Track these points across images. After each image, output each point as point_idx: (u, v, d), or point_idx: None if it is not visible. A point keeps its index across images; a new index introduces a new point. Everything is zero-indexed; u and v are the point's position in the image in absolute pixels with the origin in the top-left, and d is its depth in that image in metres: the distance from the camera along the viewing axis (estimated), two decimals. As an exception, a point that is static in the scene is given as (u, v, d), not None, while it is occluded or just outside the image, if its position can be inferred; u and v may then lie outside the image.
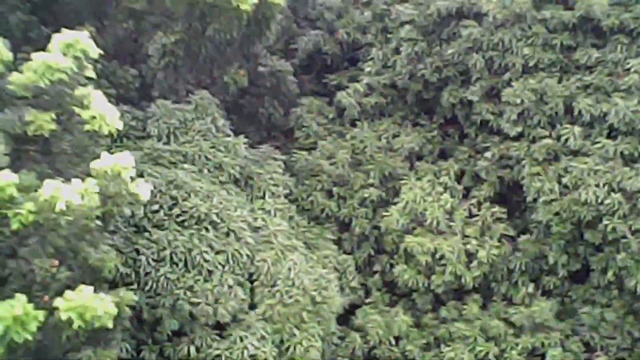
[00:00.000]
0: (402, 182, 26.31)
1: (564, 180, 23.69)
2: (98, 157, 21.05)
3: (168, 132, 24.70)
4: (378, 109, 28.13)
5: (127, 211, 19.36)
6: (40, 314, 17.17)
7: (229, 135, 25.44)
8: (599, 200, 22.88)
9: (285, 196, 25.71)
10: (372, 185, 26.52)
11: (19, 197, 17.26)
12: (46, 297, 17.99)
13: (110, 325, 17.91)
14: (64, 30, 20.48)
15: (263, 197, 25.10)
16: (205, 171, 24.26)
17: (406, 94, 27.77)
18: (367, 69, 27.97)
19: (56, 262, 17.91)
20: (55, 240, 17.81)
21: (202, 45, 25.77)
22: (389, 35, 28.16)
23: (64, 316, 17.25)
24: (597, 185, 23.05)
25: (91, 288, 17.67)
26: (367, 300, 25.91)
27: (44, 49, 26.25)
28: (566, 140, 24.04)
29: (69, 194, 17.46)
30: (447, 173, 26.20)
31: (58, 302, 17.40)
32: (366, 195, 26.37)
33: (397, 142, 27.09)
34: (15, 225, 17.19)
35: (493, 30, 25.20)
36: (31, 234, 17.80)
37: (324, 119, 28.68)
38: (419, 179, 26.29)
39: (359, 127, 27.77)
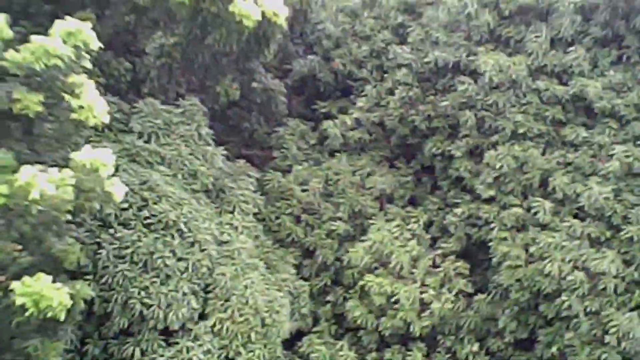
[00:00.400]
0: (370, 220, 26.58)
1: (531, 249, 24.07)
2: (78, 145, 21.23)
3: (151, 131, 24.71)
4: (360, 144, 28.46)
5: (97, 207, 19.28)
6: (-6, 295, 17.13)
7: (209, 145, 25.52)
8: (562, 275, 23.22)
9: (254, 214, 25.82)
10: (340, 219, 26.76)
11: (-6, 177, 17.14)
12: (2, 277, 17.94)
13: (62, 317, 17.80)
14: (66, 17, 20.46)
15: (232, 212, 25.15)
16: (180, 177, 24.29)
17: (392, 135, 28.10)
18: (360, 104, 28.22)
19: (19, 247, 17.82)
20: (22, 226, 17.69)
21: (199, 52, 25.76)
22: (384, 75, 28.48)
23: (18, 301, 17.12)
24: (563, 260, 23.38)
25: (49, 277, 17.59)
26: (315, 329, 26.09)
27: (42, 26, 26.43)
28: (536, 213, 24.40)
29: (44, 183, 17.36)
30: (416, 221, 26.50)
31: (15, 285, 17.30)
32: (334, 227, 26.61)
33: (371, 180, 27.39)
34: (-17, 208, 17.09)
35: (488, 91, 25.61)
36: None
37: (305, 144, 28.92)
38: (387, 220, 26.55)
39: (337, 159, 28.03)
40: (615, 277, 22.98)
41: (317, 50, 30.33)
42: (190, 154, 24.76)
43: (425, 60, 27.09)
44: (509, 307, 24.51)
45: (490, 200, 25.41)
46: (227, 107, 27.80)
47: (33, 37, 19.58)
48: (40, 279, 17.53)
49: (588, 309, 23.05)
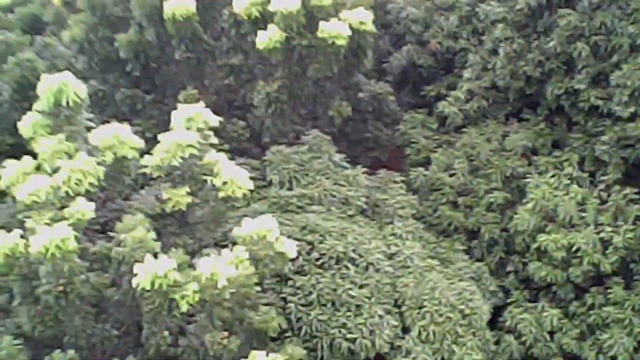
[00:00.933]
0: (525, 180, 26.31)
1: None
2: (233, 220, 22.01)
3: (289, 177, 25.30)
4: (481, 112, 28.21)
5: (275, 268, 19.95)
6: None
7: (347, 168, 25.95)
8: None
9: (412, 216, 26.05)
10: (495, 189, 26.61)
11: (181, 280, 17.93)
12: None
13: (277, 385, 18.54)
14: (178, 106, 21.26)
15: (392, 222, 25.44)
16: (333, 209, 24.77)
17: (507, 93, 27.74)
18: (467, 75, 28.04)
19: (226, 334, 18.65)
20: (221, 312, 18.52)
21: (303, 86, 26.33)
22: (481, 37, 28.20)
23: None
24: None
25: (263, 353, 18.28)
26: (509, 301, 25.91)
27: (153, 118, 27.54)
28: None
29: (227, 269, 18.09)
30: (569, 163, 26.04)
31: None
32: (492, 200, 26.47)
33: (509, 141, 27.11)
34: (184, 308, 17.94)
35: (591, 15, 24.97)
36: (197, 310, 18.53)
37: (429, 131, 28.93)
38: (541, 173, 26.21)
39: (467, 134, 27.89)
40: None
41: (410, 38, 30.28)
42: (335, 184, 25.24)
43: (518, 7, 26.63)
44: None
45: (633, 118, 24.73)
46: (343, 125, 28.05)
47: (160, 137, 20.41)
48: (255, 357, 18.27)
49: None
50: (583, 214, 24.99)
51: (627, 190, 25.11)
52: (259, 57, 26.36)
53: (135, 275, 18.03)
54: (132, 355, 19.05)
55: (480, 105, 28.01)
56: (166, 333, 18.76)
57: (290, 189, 25.14)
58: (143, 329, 18.91)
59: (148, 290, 17.91)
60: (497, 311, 25.64)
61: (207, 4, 26.40)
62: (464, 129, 28.27)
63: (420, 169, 27.47)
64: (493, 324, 25.28)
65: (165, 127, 21.45)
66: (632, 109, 24.63)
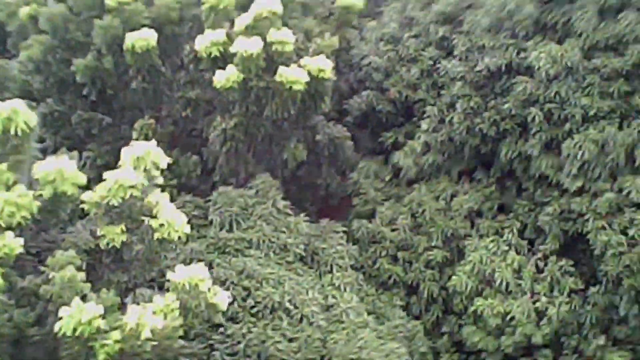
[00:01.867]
0: (465, 241, 26.58)
1: (630, 232, 23.69)
2: (169, 258, 21.99)
3: (230, 219, 25.31)
4: (435, 166, 28.39)
5: (205, 320, 19.94)
6: None
7: (289, 215, 26.00)
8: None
9: (352, 266, 26.16)
10: (435, 247, 26.83)
11: (105, 328, 17.86)
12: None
13: None
14: (132, 143, 21.18)
15: (331, 271, 25.55)
16: (272, 254, 24.82)
17: (463, 148, 27.91)
18: (424, 126, 28.19)
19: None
20: (138, 366, 18.47)
21: (259, 125, 26.35)
22: (440, 91, 28.43)
23: None
24: (666, 237, 22.96)
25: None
26: (438, 362, 26.22)
27: (108, 144, 27.43)
28: (628, 193, 23.99)
29: (152, 320, 18.04)
30: (510, 229, 26.33)
31: None
32: (431, 257, 26.71)
33: (456, 202, 27.34)
34: (101, 357, 17.82)
35: (547, 84, 25.29)
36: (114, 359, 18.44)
37: (381, 182, 29.18)
38: (481, 236, 26.52)
39: (417, 190, 28.09)
40: None
41: (371, 85, 30.44)
42: (275, 230, 25.26)
43: (477, 69, 26.96)
44: (626, 292, 24.09)
45: (579, 192, 25.07)
46: (297, 168, 28.14)
47: (106, 174, 20.31)
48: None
49: None
50: (519, 282, 25.23)
51: (564, 261, 25.45)
52: (217, 94, 26.35)
53: (60, 318, 17.88)
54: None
55: (435, 159, 28.19)
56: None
57: (230, 231, 25.14)
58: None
59: (69, 336, 17.78)
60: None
61: (170, 37, 26.35)
62: (415, 184, 28.45)
63: (364, 221, 27.63)
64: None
65: (118, 155, 21.26)
66: (579, 183, 24.98)
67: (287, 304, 23.27)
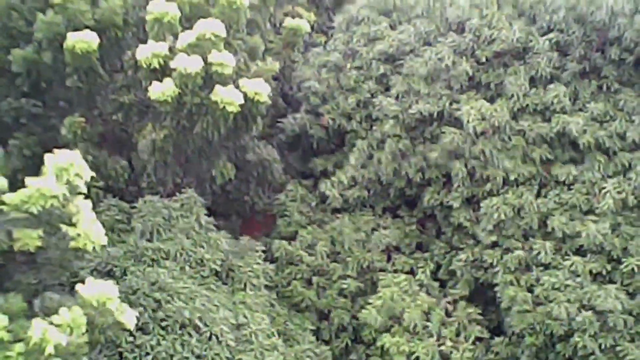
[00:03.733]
0: (380, 274, 27.15)
1: (536, 291, 24.47)
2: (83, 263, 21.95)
3: (152, 229, 25.39)
4: (360, 201, 28.90)
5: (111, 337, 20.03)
6: None
7: (211, 230, 26.19)
8: (570, 317, 23.62)
9: (266, 286, 26.46)
10: (350, 276, 27.33)
11: (9, 339, 17.82)
12: None
13: None
14: (55, 151, 21.03)
15: (244, 289, 25.76)
16: (187, 268, 24.90)
17: (389, 188, 28.50)
18: (352, 161, 28.67)
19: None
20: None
21: (190, 140, 26.44)
22: (374, 124, 28.92)
23: None
24: (569, 301, 23.78)
25: None
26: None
27: (33, 134, 27.17)
28: (538, 253, 24.80)
29: (57, 336, 18.06)
30: (423, 270, 27.01)
31: None
32: (344, 286, 27.19)
33: (376, 236, 27.86)
34: (0, 373, 17.81)
35: (474, 139, 25.93)
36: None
37: (307, 206, 29.50)
38: (395, 271, 27.14)
39: (340, 220, 28.59)
40: (622, 312, 23.33)
41: (305, 107, 30.80)
42: (193, 245, 25.42)
43: (410, 111, 27.50)
44: (527, 348, 24.83)
45: (492, 245, 25.84)
46: (226, 183, 28.30)
47: (27, 181, 20.15)
48: None
49: (603, 346, 23.40)
50: (427, 323, 25.88)
51: (472, 309, 26.20)
52: (150, 105, 26.35)
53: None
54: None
55: (361, 194, 28.68)
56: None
57: (150, 240, 25.20)
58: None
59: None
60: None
61: (112, 40, 26.25)
62: (339, 214, 28.92)
63: (284, 242, 28.00)
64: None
65: (45, 146, 21.09)
66: (493, 238, 25.70)
67: (197, 321, 23.32)
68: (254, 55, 28.16)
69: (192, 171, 27.56)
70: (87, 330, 19.03)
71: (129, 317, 19.94)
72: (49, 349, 17.95)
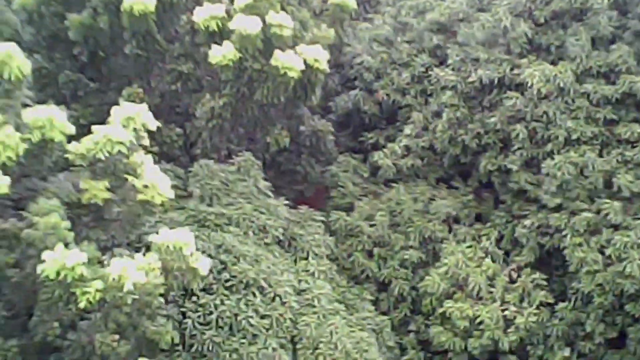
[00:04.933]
0: (442, 245, 26.68)
1: (607, 251, 24.02)
2: (150, 224, 21.74)
3: (211, 193, 25.11)
4: (413, 170, 28.50)
5: (185, 284, 19.72)
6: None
7: (270, 197, 25.88)
8: (643, 274, 23.10)
9: (327, 256, 26.08)
10: (411, 247, 26.89)
11: (87, 276, 17.56)
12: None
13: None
14: (120, 101, 20.95)
15: (306, 258, 25.45)
16: (250, 234, 24.63)
17: (443, 157, 28.16)
18: (407, 131, 28.32)
19: (116, 337, 18.28)
20: (118, 315, 18.19)
21: (248, 107, 26.20)
22: (429, 98, 28.62)
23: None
24: (641, 259, 23.25)
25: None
26: (404, 359, 26.16)
27: (91, 106, 27.08)
28: (606, 214, 24.34)
29: (135, 273, 17.78)
30: (487, 237, 26.52)
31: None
32: (406, 256, 26.74)
33: (434, 205, 27.44)
34: (82, 304, 17.54)
35: (536, 102, 25.64)
36: (94, 309, 18.15)
37: (359, 178, 29.10)
38: (458, 242, 26.65)
39: (395, 190, 28.14)
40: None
41: (359, 84, 30.44)
42: (255, 210, 25.11)
43: (469, 80, 27.18)
44: (594, 311, 24.46)
45: (557, 208, 25.36)
46: (278, 154, 28.09)
47: (95, 128, 20.03)
48: (142, 364, 18.03)
49: (674, 304, 22.98)
50: (492, 289, 25.38)
51: (537, 274, 25.68)
52: (209, 70, 26.17)
53: (43, 262, 17.56)
54: (16, 339, 18.51)
55: (414, 163, 28.27)
56: (56, 324, 18.33)
57: (210, 205, 24.92)
58: (33, 316, 18.41)
59: (51, 280, 17.46)
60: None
61: (167, 5, 26.08)
62: (394, 184, 28.50)
63: (342, 213, 27.59)
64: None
65: (102, 118, 21.08)
66: (558, 200, 25.25)
67: (262, 282, 23.09)
68: (305, 27, 27.95)
69: (246, 139, 27.24)
70: (161, 274, 18.71)
71: (203, 264, 19.58)
72: (128, 285, 17.66)
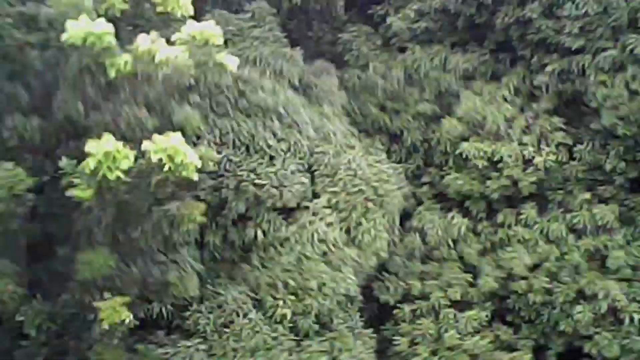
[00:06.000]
0: (457, 99, 26.21)
1: (633, 86, 23.59)
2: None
3: (225, 38, 24.56)
4: (428, 34, 27.85)
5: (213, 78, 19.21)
6: (131, 154, 16.99)
7: (286, 46, 25.43)
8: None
9: (342, 106, 25.70)
10: (426, 100, 26.48)
11: (117, 49, 17.04)
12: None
13: (195, 177, 17.74)
14: None
15: (321, 105, 24.98)
16: (267, 74, 24.16)
17: (457, 18, 27.55)
18: (419, -5, 27.87)
19: (144, 112, 17.79)
20: (148, 92, 17.68)
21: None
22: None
23: (154, 158, 17.08)
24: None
25: (179, 134, 17.51)
26: (420, 208, 25.74)
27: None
28: (632, 50, 23.74)
29: (166, 48, 17.35)
30: (507, 86, 26.06)
31: (147, 144, 17.20)
32: (420, 109, 26.34)
33: (451, 62, 26.94)
34: (112, 74, 17.03)
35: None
36: (125, 84, 17.65)
37: (373, 44, 28.58)
38: (475, 94, 26.19)
39: (411, 49, 27.58)
40: None
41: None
42: (272, 53, 24.67)
43: None
44: (615, 147, 24.16)
45: (580, 51, 24.82)
46: (288, 20, 27.56)
47: None
48: (170, 137, 17.46)
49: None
50: (509, 130, 25.02)
51: (555, 119, 25.34)
52: None
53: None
54: (37, 118, 18.06)
55: (429, 26, 27.67)
56: (80, 105, 17.81)
57: (226, 47, 24.38)
58: (56, 97, 17.90)
59: (77, 47, 16.94)
60: (407, 216, 25.39)
61: None
62: (408, 49, 27.91)
63: (357, 70, 27.15)
64: (401, 225, 24.97)
65: None
66: (581, 42, 24.71)
67: (281, 109, 22.75)
68: None
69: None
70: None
71: (231, 60, 19.06)
72: (160, 56, 17.13)
